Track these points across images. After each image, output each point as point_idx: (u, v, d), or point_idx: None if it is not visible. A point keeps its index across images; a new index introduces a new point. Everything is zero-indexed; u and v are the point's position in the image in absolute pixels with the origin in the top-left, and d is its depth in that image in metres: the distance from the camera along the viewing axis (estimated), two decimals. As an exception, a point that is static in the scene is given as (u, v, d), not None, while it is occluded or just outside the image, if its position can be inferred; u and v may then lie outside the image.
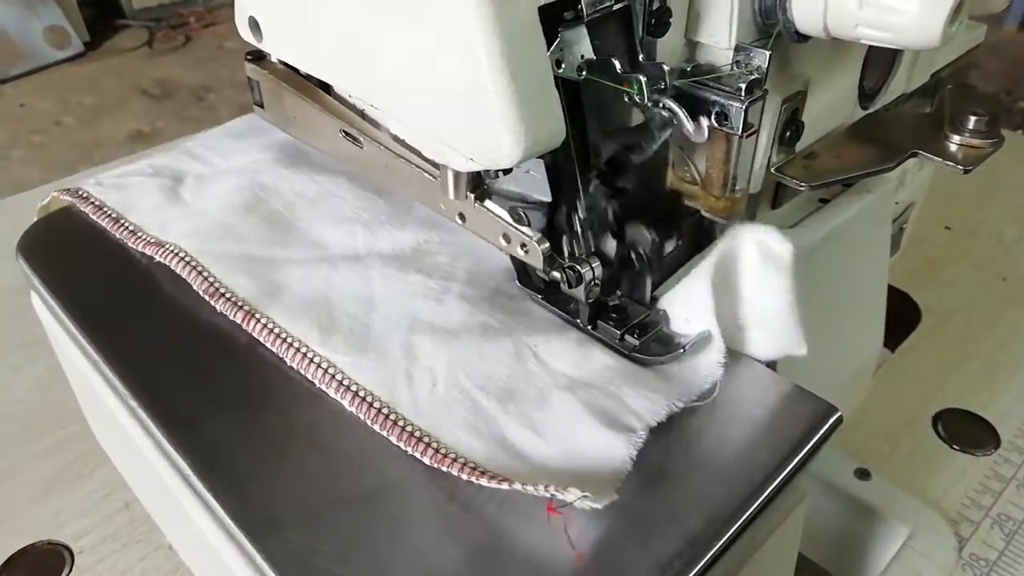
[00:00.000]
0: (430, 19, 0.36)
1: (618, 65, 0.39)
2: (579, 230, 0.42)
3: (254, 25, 0.49)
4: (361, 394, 0.41)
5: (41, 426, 0.71)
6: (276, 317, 0.45)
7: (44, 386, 0.75)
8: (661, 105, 0.40)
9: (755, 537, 0.38)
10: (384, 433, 0.39)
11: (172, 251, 0.50)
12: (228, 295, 0.47)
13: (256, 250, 0.50)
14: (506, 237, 0.43)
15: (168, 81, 2.88)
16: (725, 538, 0.35)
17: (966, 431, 0.71)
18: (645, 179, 0.45)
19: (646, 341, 0.42)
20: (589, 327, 0.44)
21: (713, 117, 0.41)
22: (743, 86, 0.40)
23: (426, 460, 0.38)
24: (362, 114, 0.50)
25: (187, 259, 0.49)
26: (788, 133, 0.46)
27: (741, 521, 0.35)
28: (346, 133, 0.49)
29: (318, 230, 0.52)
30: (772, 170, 0.47)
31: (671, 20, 0.40)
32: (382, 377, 0.42)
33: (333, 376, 0.42)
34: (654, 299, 0.45)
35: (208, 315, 0.47)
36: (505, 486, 0.35)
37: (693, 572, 0.34)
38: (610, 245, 0.44)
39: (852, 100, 0.52)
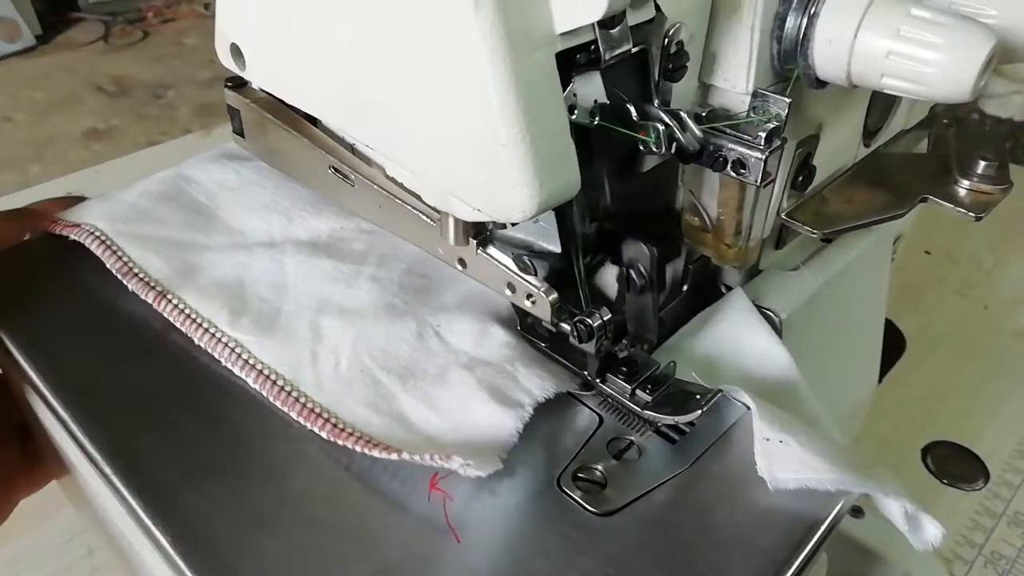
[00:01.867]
0: (438, 63, 0.33)
1: (634, 111, 0.37)
2: (586, 280, 0.40)
3: (236, 52, 0.46)
4: (265, 372, 0.42)
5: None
6: (188, 298, 0.46)
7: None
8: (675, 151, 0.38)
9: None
10: (285, 409, 0.40)
11: (88, 231, 0.50)
12: (141, 275, 0.47)
13: (174, 234, 0.51)
14: (511, 287, 0.41)
15: (124, 78, 2.79)
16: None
17: (955, 464, 0.71)
18: (652, 225, 0.43)
19: (658, 397, 0.40)
20: (597, 380, 0.42)
21: (729, 166, 0.39)
22: (763, 135, 0.38)
23: (324, 434, 0.39)
24: (352, 149, 0.47)
25: (102, 238, 0.49)
26: (801, 178, 0.45)
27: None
28: (335, 170, 0.46)
29: (238, 219, 0.53)
30: (782, 215, 0.45)
31: (688, 64, 0.38)
32: (287, 357, 0.43)
33: (240, 355, 0.43)
34: (660, 341, 0.43)
35: (175, 360, 0.44)
36: (394, 456, 0.37)
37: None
38: (618, 294, 0.42)
39: (858, 140, 0.51)
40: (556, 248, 0.39)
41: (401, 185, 0.44)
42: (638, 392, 0.41)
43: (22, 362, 0.44)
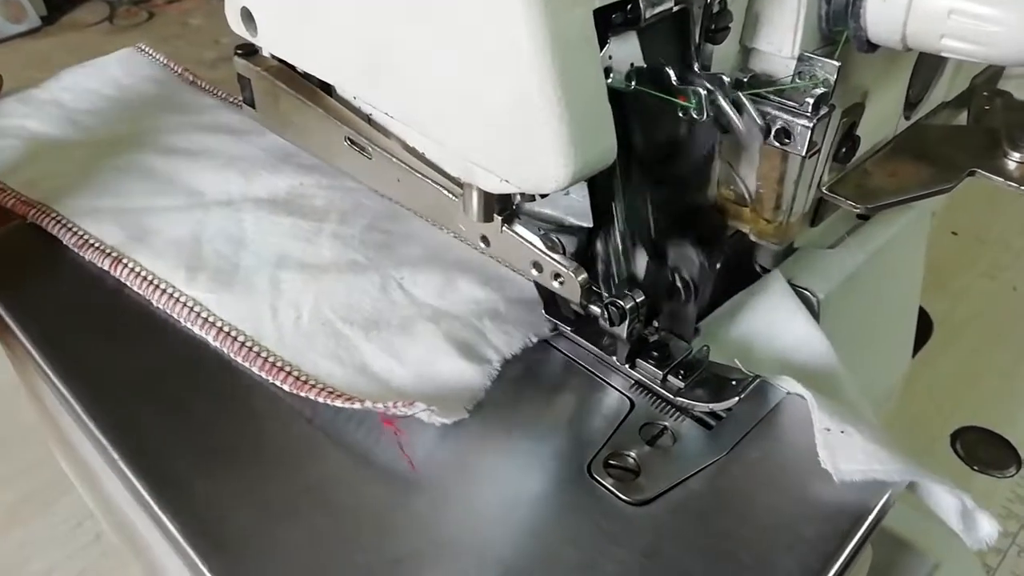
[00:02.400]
0: (466, 21, 0.31)
1: (672, 75, 0.35)
2: (620, 259, 0.38)
3: (247, 16, 0.43)
4: (226, 329, 0.42)
5: (2, 449, 0.65)
6: (143, 260, 0.46)
7: (4, 403, 0.68)
8: (715, 118, 0.35)
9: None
10: (247, 364, 0.40)
11: (43, 211, 0.50)
12: (96, 244, 0.47)
13: (128, 202, 0.51)
14: (537, 266, 0.39)
15: (130, 58, 2.77)
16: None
17: (985, 451, 0.68)
18: (688, 199, 0.41)
19: (691, 383, 0.38)
20: (627, 365, 0.39)
21: (773, 134, 0.37)
22: (810, 101, 0.36)
23: (286, 387, 0.39)
24: (369, 119, 0.44)
25: (57, 218, 0.49)
26: (844, 150, 0.42)
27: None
28: (352, 142, 0.44)
29: (196, 180, 0.53)
30: (823, 189, 0.43)
31: (731, 25, 0.36)
32: (247, 312, 0.43)
33: (199, 314, 0.43)
34: (696, 330, 0.41)
35: (181, 340, 0.43)
36: (356, 406, 0.37)
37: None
38: (651, 274, 0.39)
39: (900, 111, 0.48)
40: (588, 223, 0.37)
41: (422, 157, 0.42)
42: (670, 378, 0.39)
43: (23, 339, 0.43)
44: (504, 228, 0.39)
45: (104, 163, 0.54)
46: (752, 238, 0.42)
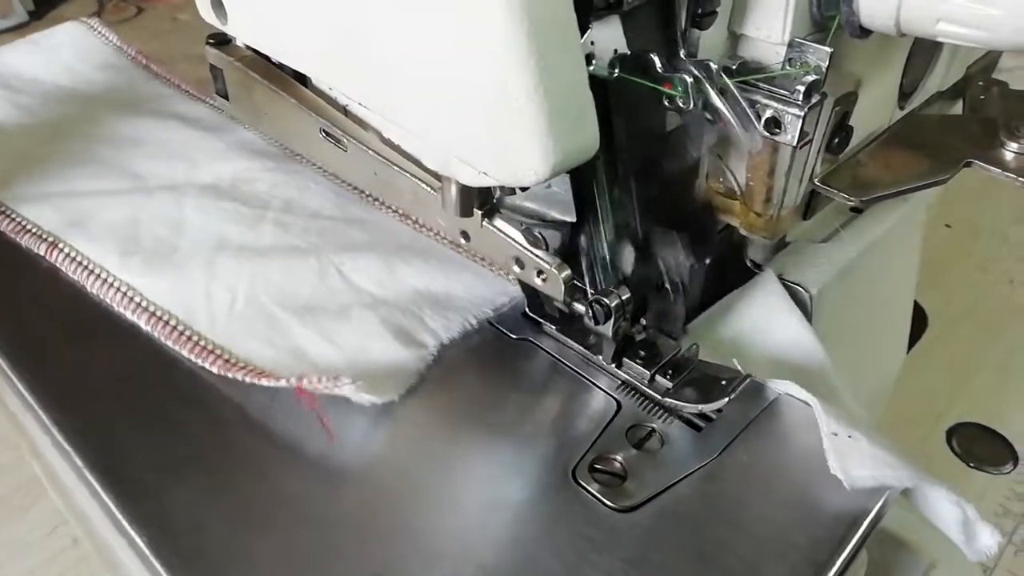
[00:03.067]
0: (442, 8, 0.29)
1: (658, 62, 0.33)
2: (605, 255, 0.36)
3: (217, 4, 0.42)
4: (158, 314, 0.41)
5: (-27, 452, 0.64)
6: (78, 244, 0.45)
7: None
8: (702, 106, 0.34)
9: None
10: (177, 348, 0.40)
11: None
12: (33, 229, 0.46)
13: (69, 186, 0.50)
14: (519, 262, 0.37)
15: (118, 53, 2.73)
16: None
17: (982, 447, 0.67)
18: (676, 193, 0.39)
19: (680, 383, 0.37)
20: (613, 365, 0.38)
21: (762, 124, 0.35)
22: (801, 89, 0.34)
23: (215, 370, 0.39)
24: (345, 111, 0.43)
25: None
26: (837, 140, 0.41)
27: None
28: (327, 134, 0.42)
29: (141, 166, 0.52)
30: (815, 181, 0.41)
31: (718, 9, 0.34)
32: (180, 297, 0.42)
33: (132, 299, 0.42)
34: (685, 331, 0.39)
35: (150, 343, 0.41)
36: (282, 383, 0.36)
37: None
38: (637, 270, 0.38)
39: (894, 100, 0.47)
40: (571, 217, 0.35)
41: (399, 150, 0.40)
42: (658, 378, 0.37)
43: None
44: (484, 223, 0.38)
45: (49, 150, 0.53)
46: (742, 232, 0.40)
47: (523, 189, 0.35)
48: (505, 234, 0.37)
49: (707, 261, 0.39)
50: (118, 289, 0.42)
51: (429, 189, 0.39)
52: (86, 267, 0.44)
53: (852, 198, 0.41)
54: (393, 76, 0.33)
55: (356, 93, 0.37)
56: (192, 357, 0.39)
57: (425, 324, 0.41)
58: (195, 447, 0.36)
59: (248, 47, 0.45)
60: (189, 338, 0.40)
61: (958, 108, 0.55)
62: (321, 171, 0.52)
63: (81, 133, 0.55)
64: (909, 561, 0.58)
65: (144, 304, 0.42)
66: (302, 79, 0.45)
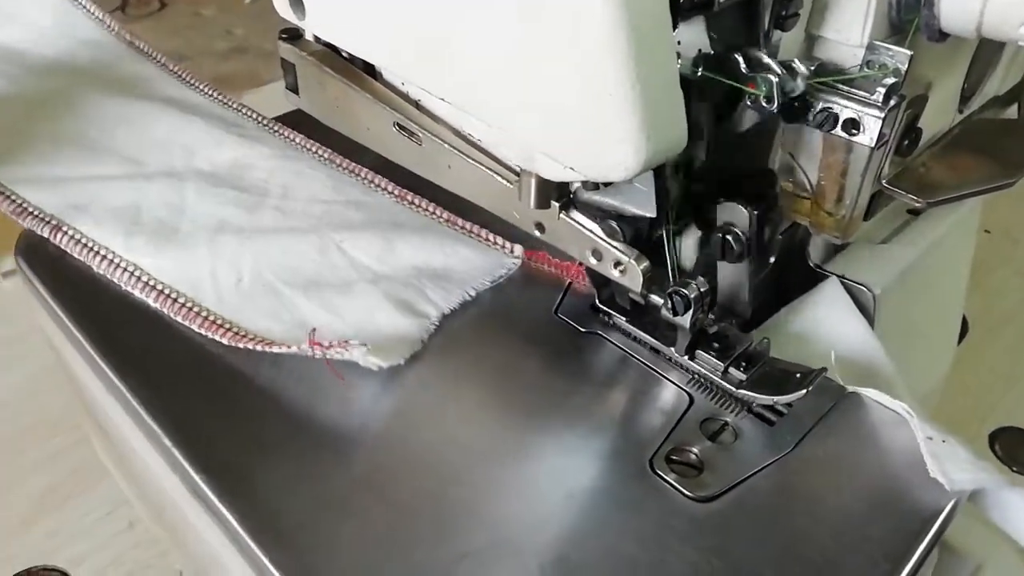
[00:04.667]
0: (537, 3, 0.30)
1: (742, 62, 0.34)
2: (680, 247, 0.37)
3: (296, 1, 0.43)
4: (166, 292, 0.43)
5: (31, 434, 0.65)
6: (83, 227, 0.46)
7: (34, 388, 0.68)
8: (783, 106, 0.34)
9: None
10: (187, 323, 0.41)
11: None
12: (35, 212, 0.47)
13: (67, 171, 0.50)
14: (596, 254, 0.38)
15: (142, 48, 2.76)
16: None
17: (1024, 451, 0.67)
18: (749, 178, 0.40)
19: (754, 375, 0.37)
20: (686, 357, 0.39)
21: (840, 125, 0.36)
22: (881, 91, 0.35)
23: (224, 341, 0.40)
24: (417, 104, 0.44)
25: None
26: (907, 142, 0.41)
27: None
28: (400, 127, 0.43)
29: (137, 151, 0.52)
30: (883, 182, 0.42)
31: (800, 11, 0.35)
32: (186, 275, 0.44)
33: (139, 278, 0.43)
34: (755, 321, 0.40)
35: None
36: (294, 350, 0.38)
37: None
38: (709, 258, 0.38)
39: (955, 103, 0.47)
40: (651, 212, 0.36)
41: (472, 143, 0.41)
42: (731, 370, 0.38)
43: (70, 325, 0.42)
44: (562, 215, 0.38)
45: (38, 128, 0.54)
46: (811, 230, 0.41)
47: (606, 184, 0.36)
48: (583, 226, 0.38)
49: (771, 219, 0.39)
50: (124, 269, 0.44)
51: (505, 182, 0.40)
52: (92, 249, 0.45)
53: (919, 200, 0.41)
54: (478, 72, 0.34)
55: (437, 89, 0.38)
56: (202, 331, 0.41)
57: (426, 296, 0.43)
58: (275, 429, 0.37)
59: (322, 42, 0.46)
60: (198, 313, 0.41)
61: (1012, 112, 0.55)
62: (318, 157, 0.54)
63: (69, 111, 0.55)
64: (955, 564, 0.59)
65: (152, 283, 0.43)
66: (372, 73, 0.45)
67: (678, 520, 0.33)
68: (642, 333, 0.40)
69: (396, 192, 0.51)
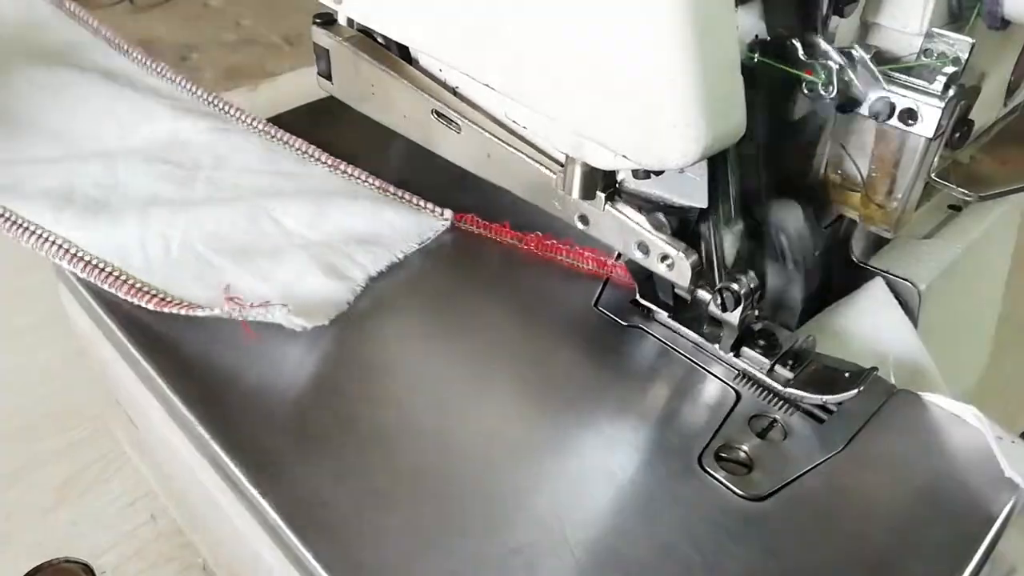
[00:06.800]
0: (596, -15, 0.29)
1: (800, 48, 0.33)
2: (732, 242, 0.36)
3: (332, -17, 0.42)
4: (93, 262, 0.43)
5: (52, 422, 0.64)
6: (11, 205, 0.45)
7: (55, 376, 0.67)
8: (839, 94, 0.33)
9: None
10: (113, 291, 0.41)
11: None
12: None
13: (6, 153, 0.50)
14: (643, 247, 0.37)
15: (150, 39, 2.73)
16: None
17: (1056, 452, 0.66)
18: (796, 180, 0.39)
19: (801, 374, 0.36)
20: (731, 353, 0.38)
21: (896, 115, 0.35)
22: (941, 80, 0.34)
23: (150, 307, 0.41)
24: (455, 91, 0.43)
25: None
26: (958, 134, 0.40)
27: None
28: (439, 114, 0.42)
29: (70, 127, 0.52)
30: (932, 175, 0.41)
31: (859, -3, 0.34)
32: (115, 246, 0.44)
33: (67, 251, 0.43)
34: (805, 314, 0.39)
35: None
36: (215, 311, 0.39)
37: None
38: (759, 255, 0.38)
39: (1002, 95, 0.46)
40: (702, 203, 0.35)
41: (513, 132, 0.40)
42: (778, 368, 0.37)
43: (105, 317, 0.41)
44: (607, 206, 0.37)
45: None
46: (860, 223, 0.40)
47: (657, 173, 0.35)
48: (629, 218, 0.37)
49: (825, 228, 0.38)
50: (53, 242, 0.43)
51: (547, 171, 0.39)
52: (19, 224, 0.44)
53: (970, 194, 0.40)
54: (527, 53, 0.33)
55: (482, 73, 0.37)
56: (128, 298, 0.41)
57: (354, 260, 0.43)
58: (314, 423, 0.36)
59: (357, 27, 0.45)
60: (124, 281, 0.42)
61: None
62: (252, 129, 0.53)
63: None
64: (987, 568, 0.58)
65: (79, 254, 0.43)
66: (408, 60, 0.45)
67: (730, 519, 0.32)
68: (684, 329, 0.39)
69: (329, 162, 0.51)
